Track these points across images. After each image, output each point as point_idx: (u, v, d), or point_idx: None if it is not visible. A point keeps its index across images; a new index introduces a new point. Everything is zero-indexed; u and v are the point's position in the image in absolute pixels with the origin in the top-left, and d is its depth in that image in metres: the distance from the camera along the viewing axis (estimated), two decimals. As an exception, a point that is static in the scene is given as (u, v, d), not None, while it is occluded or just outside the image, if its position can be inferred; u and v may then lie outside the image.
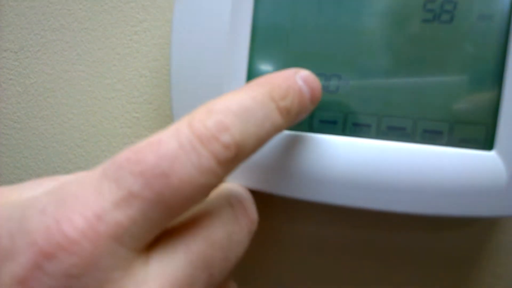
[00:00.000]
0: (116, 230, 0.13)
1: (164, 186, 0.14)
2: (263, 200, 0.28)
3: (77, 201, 0.14)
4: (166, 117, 0.29)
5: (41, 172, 0.32)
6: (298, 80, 0.19)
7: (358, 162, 0.21)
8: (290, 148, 0.22)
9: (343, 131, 0.22)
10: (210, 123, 0.15)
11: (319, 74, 0.22)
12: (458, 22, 0.21)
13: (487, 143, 0.21)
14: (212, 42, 0.22)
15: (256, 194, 0.23)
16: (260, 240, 0.29)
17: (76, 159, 0.31)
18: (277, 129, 0.17)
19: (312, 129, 0.23)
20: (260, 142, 0.16)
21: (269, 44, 0.23)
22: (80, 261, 0.13)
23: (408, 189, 0.21)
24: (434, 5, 0.21)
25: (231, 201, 0.18)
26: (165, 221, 0.14)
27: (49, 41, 0.31)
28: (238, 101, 0.16)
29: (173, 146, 0.14)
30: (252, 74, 0.23)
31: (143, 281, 0.14)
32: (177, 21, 0.23)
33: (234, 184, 0.21)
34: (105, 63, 0.30)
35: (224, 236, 0.17)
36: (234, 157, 0.15)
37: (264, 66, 0.23)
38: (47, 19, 0.31)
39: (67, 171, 0.31)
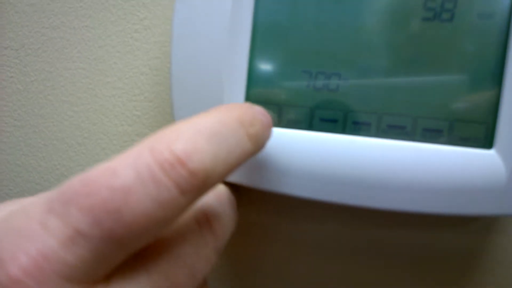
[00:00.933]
0: (63, 269, 0.12)
1: (115, 224, 0.12)
2: (263, 198, 0.28)
3: (21, 237, 0.13)
4: (166, 115, 0.29)
5: (42, 169, 0.32)
6: (256, 112, 0.18)
7: (358, 160, 0.21)
8: (290, 147, 0.22)
9: (343, 130, 0.22)
10: (177, 147, 0.13)
11: (319, 72, 0.22)
12: (459, 20, 0.21)
13: (487, 142, 0.21)
14: (212, 40, 0.22)
15: (255, 192, 0.23)
16: (259, 239, 0.29)
17: (77, 156, 0.31)
18: (246, 156, 0.16)
19: (312, 128, 0.23)
20: (229, 169, 0.15)
21: (270, 41, 0.23)
22: None
23: (408, 188, 0.21)
24: (434, 3, 0.21)
25: (197, 217, 0.17)
26: (119, 256, 0.13)
27: (49, 39, 0.31)
28: (209, 124, 0.15)
29: (129, 176, 0.13)
30: (252, 71, 0.23)
31: None
32: (178, 19, 0.23)
33: (215, 193, 0.19)
34: (106, 61, 0.30)
35: (188, 253, 0.16)
36: (201, 186, 0.14)
37: (264, 64, 0.23)
38: (48, 17, 0.31)
39: (67, 168, 0.31)
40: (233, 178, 0.23)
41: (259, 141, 0.17)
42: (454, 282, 0.27)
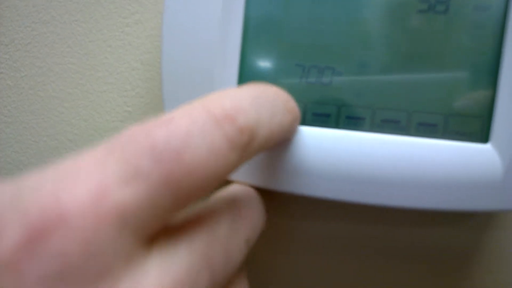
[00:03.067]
0: (121, 210, 0.12)
1: (175, 164, 0.12)
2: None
3: (78, 173, 0.12)
4: (158, 111, 0.29)
5: (32, 166, 0.32)
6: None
7: (352, 155, 0.21)
8: (283, 142, 0.22)
9: (337, 124, 0.22)
10: (226, 104, 0.14)
11: (312, 66, 0.22)
12: (454, 12, 0.21)
13: (483, 136, 0.21)
14: (203, 34, 0.22)
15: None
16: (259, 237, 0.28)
17: (68, 153, 0.31)
18: (284, 130, 0.17)
19: (305, 122, 0.22)
20: (271, 135, 0.16)
21: (262, 35, 0.22)
22: (78, 242, 0.11)
23: (403, 183, 0.21)
24: (429, -5, 0.21)
25: (229, 204, 0.17)
26: (171, 209, 0.13)
27: (39, 34, 0.30)
28: (252, 92, 0.16)
29: (186, 122, 0.13)
30: (244, 66, 0.23)
31: (142, 277, 0.12)
32: (168, 13, 0.23)
33: (242, 187, 0.20)
34: (97, 56, 0.29)
35: (224, 235, 0.16)
36: (247, 144, 0.14)
37: (256, 58, 0.23)
38: (38, 11, 0.30)
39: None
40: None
41: (296, 116, 0.18)
42: (451, 278, 0.27)
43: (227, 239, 0.16)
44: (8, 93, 0.31)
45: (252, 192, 0.20)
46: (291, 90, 0.22)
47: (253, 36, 0.23)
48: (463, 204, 0.21)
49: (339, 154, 0.21)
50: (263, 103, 0.16)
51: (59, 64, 0.30)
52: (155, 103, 0.29)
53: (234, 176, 0.22)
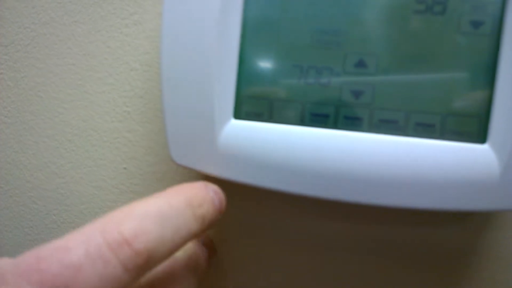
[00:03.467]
0: None
1: None
2: (254, 194, 0.28)
3: None
4: (157, 111, 0.29)
5: (32, 167, 0.32)
6: (210, 191, 0.20)
7: (350, 155, 0.21)
8: (281, 142, 0.22)
9: (335, 125, 0.22)
10: (125, 228, 0.15)
11: (310, 66, 0.22)
12: (451, 13, 0.21)
13: (480, 136, 0.21)
14: (202, 35, 0.22)
15: (247, 188, 0.23)
16: (255, 237, 0.28)
17: (67, 153, 0.31)
18: (191, 236, 0.18)
19: (303, 123, 0.22)
20: (174, 248, 0.17)
21: (260, 36, 0.23)
22: None
23: (401, 183, 0.21)
24: (426, -4, 0.21)
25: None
26: None
27: (39, 35, 0.30)
28: (158, 207, 0.16)
29: (80, 254, 0.14)
30: (242, 66, 0.23)
31: None
32: (167, 14, 0.23)
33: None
34: (96, 56, 0.29)
35: None
36: (145, 264, 0.15)
37: (254, 59, 0.23)
38: (37, 13, 0.30)
39: (58, 166, 0.31)
40: (225, 174, 0.23)
41: (206, 221, 0.19)
42: (449, 278, 0.27)
43: None
44: (8, 93, 0.31)
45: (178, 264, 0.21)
46: (289, 90, 0.22)
47: (252, 37, 0.23)
48: (461, 204, 0.21)
49: (337, 154, 0.21)
50: (168, 219, 0.16)
51: (59, 65, 0.30)
52: (154, 104, 0.29)
53: (234, 177, 0.23)
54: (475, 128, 0.21)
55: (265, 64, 0.23)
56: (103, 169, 0.30)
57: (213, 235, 0.29)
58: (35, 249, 0.14)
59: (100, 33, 0.29)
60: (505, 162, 0.20)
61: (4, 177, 0.32)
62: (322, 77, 0.22)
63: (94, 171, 0.30)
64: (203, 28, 0.22)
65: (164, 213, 0.16)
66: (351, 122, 0.22)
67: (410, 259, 0.27)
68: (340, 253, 0.28)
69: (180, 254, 0.21)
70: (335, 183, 0.21)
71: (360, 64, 0.22)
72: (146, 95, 0.29)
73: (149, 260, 0.15)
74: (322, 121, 0.22)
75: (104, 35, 0.29)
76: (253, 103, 0.23)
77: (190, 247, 0.22)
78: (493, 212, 0.26)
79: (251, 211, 0.28)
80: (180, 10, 0.22)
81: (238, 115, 0.23)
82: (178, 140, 0.23)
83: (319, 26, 0.22)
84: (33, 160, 0.32)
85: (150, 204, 0.16)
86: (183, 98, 0.23)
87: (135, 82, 0.29)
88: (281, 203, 0.28)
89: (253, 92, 0.23)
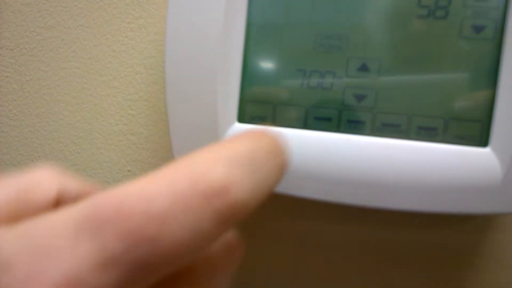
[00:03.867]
0: None
1: (149, 252, 0.12)
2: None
3: (50, 257, 0.12)
4: (161, 114, 0.29)
5: (37, 169, 0.32)
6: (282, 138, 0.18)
7: (352, 159, 0.21)
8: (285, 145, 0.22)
9: (338, 128, 0.22)
10: (216, 176, 0.13)
11: (313, 70, 0.22)
12: (453, 18, 0.21)
13: (482, 140, 0.21)
14: (206, 39, 0.22)
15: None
16: (257, 238, 0.29)
17: (72, 156, 0.31)
18: (275, 186, 0.16)
19: (307, 126, 0.23)
20: (260, 200, 0.15)
21: (263, 40, 0.23)
22: None
23: (403, 186, 0.21)
24: (429, 1, 0.21)
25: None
26: (146, 282, 0.13)
27: (44, 39, 0.31)
28: (246, 153, 0.14)
29: (167, 204, 0.12)
30: (246, 70, 0.23)
31: None
32: (172, 18, 0.23)
33: None
34: (101, 60, 0.30)
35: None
36: (235, 217, 0.13)
37: (258, 63, 0.23)
38: (43, 17, 0.30)
39: (63, 168, 0.31)
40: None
41: (286, 170, 0.17)
42: (451, 280, 0.27)
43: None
44: (13, 96, 0.32)
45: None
46: (293, 94, 0.23)
47: (255, 41, 0.23)
48: (463, 207, 0.21)
49: (340, 158, 0.21)
50: (258, 166, 0.14)
51: (64, 69, 0.30)
52: (158, 107, 0.29)
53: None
54: (477, 132, 0.21)
55: (268, 68, 0.23)
56: (107, 172, 0.30)
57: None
58: (108, 192, 0.12)
59: (105, 37, 0.29)
60: (507, 165, 0.21)
61: (9, 179, 0.33)
62: (325, 81, 0.22)
63: (99, 174, 0.31)
64: (207, 32, 0.22)
65: (254, 159, 0.14)
66: (353, 125, 0.22)
67: (412, 261, 0.27)
68: (340, 255, 0.28)
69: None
70: (337, 186, 0.21)
71: (363, 68, 0.22)
72: (151, 98, 0.29)
73: (239, 213, 0.13)
74: (325, 125, 0.22)
75: (109, 39, 0.29)
76: (256, 107, 0.23)
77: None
78: (494, 215, 0.26)
79: (253, 213, 0.28)
80: (184, 14, 0.23)
81: (242, 118, 0.23)
82: (182, 143, 0.23)
83: (323, 30, 0.22)
84: (39, 162, 0.32)
85: (237, 149, 0.14)
86: (187, 102, 0.23)
87: (139, 86, 0.29)
88: (282, 205, 0.28)
89: (256, 96, 0.23)
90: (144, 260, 0.12)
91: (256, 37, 0.23)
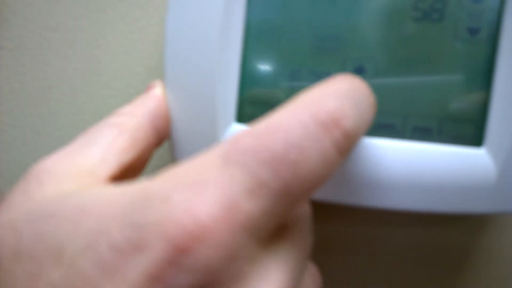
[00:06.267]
0: (250, 221, 0.12)
1: (292, 177, 0.13)
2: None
3: (206, 187, 0.12)
4: (161, 115, 0.29)
5: (38, 169, 0.32)
6: None
7: (348, 159, 0.22)
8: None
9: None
10: (330, 106, 0.14)
11: (310, 71, 0.23)
12: (448, 20, 0.21)
13: (477, 140, 0.22)
14: (205, 40, 0.23)
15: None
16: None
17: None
18: (370, 123, 0.17)
19: (304, 126, 0.23)
20: (363, 135, 0.16)
21: (262, 41, 0.23)
22: (219, 254, 0.12)
23: (398, 186, 0.21)
24: (424, 3, 0.21)
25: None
26: (285, 214, 0.14)
27: (45, 39, 0.31)
28: (346, 88, 0.15)
29: (300, 133, 0.13)
30: (245, 71, 0.23)
31: (265, 277, 0.13)
32: (171, 19, 0.23)
33: None
34: (101, 61, 0.30)
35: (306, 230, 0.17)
36: (350, 147, 0.14)
37: (257, 63, 0.23)
38: (43, 17, 0.31)
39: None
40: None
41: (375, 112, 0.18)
42: (445, 280, 0.27)
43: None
44: (14, 96, 0.32)
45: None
46: (290, 94, 0.23)
47: (254, 42, 0.23)
48: (457, 207, 0.21)
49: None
50: (358, 101, 0.15)
51: (64, 69, 0.31)
52: (158, 107, 0.29)
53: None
54: (471, 132, 0.22)
55: (266, 69, 0.23)
56: (107, 171, 0.31)
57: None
58: (246, 129, 0.13)
59: (106, 38, 0.30)
60: (501, 165, 0.21)
61: (10, 180, 0.33)
62: (322, 81, 0.23)
63: (99, 173, 0.31)
64: (206, 33, 0.23)
65: (354, 95, 0.15)
66: (350, 126, 0.22)
67: (406, 260, 0.27)
68: (334, 253, 0.28)
69: None
70: (331, 185, 0.22)
71: (359, 69, 0.22)
72: (150, 99, 0.29)
73: (350, 143, 0.14)
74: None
75: (110, 40, 0.30)
76: (255, 107, 0.23)
77: None
78: (489, 215, 0.26)
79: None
80: (184, 16, 0.23)
81: (240, 118, 0.24)
82: (181, 144, 0.24)
83: (320, 31, 0.22)
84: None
85: (339, 86, 0.15)
86: (186, 102, 0.23)
87: (140, 86, 0.29)
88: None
89: (255, 96, 0.23)
90: (288, 186, 0.13)
91: (254, 38, 0.23)
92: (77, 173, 0.16)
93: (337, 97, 0.14)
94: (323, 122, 0.13)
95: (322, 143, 0.13)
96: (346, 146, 0.14)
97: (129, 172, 0.19)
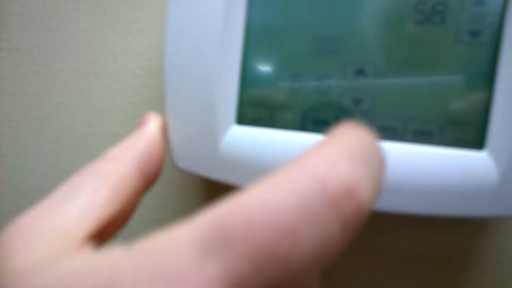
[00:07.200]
0: None
1: (280, 273, 0.11)
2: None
3: (175, 284, 0.11)
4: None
5: (37, 171, 0.32)
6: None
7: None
8: (283, 147, 0.22)
9: (335, 131, 0.22)
10: (343, 173, 0.11)
11: (310, 74, 0.22)
12: (450, 23, 0.21)
13: (478, 143, 0.21)
14: (205, 42, 0.23)
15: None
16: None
17: (72, 158, 0.31)
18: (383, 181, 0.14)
19: (304, 129, 0.23)
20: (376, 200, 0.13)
21: (262, 43, 0.23)
22: None
23: (399, 189, 0.21)
24: (425, 6, 0.21)
25: None
26: None
27: (44, 41, 0.31)
28: (359, 146, 0.13)
29: (295, 212, 0.11)
30: (245, 73, 0.23)
31: None
32: (171, 21, 0.23)
33: None
34: (100, 63, 0.30)
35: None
36: (359, 222, 0.12)
37: (257, 66, 0.23)
38: (42, 19, 0.31)
39: (63, 170, 0.32)
40: (227, 178, 0.23)
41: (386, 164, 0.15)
42: (446, 283, 0.27)
43: None
44: (13, 98, 0.32)
45: None
46: (290, 97, 0.23)
47: (254, 44, 0.23)
48: (459, 210, 0.21)
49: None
50: (372, 161, 0.13)
51: (64, 71, 0.31)
52: (157, 109, 0.29)
53: (236, 181, 0.23)
54: (473, 135, 0.21)
55: (267, 70, 0.23)
56: (106, 174, 0.31)
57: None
58: (231, 203, 0.11)
59: (105, 40, 0.30)
60: (503, 168, 0.21)
61: (9, 182, 0.33)
62: (322, 84, 0.22)
63: (98, 176, 0.31)
64: (206, 35, 0.23)
65: (367, 153, 0.13)
66: (351, 128, 0.22)
67: (407, 263, 0.27)
68: (338, 258, 0.28)
69: None
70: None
71: (360, 72, 0.22)
72: (150, 101, 0.29)
73: (364, 216, 0.12)
74: (322, 128, 0.23)
75: (109, 42, 0.30)
76: (255, 109, 0.23)
77: None
78: (490, 218, 0.26)
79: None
80: (183, 17, 0.23)
81: (240, 120, 0.23)
82: (181, 146, 0.24)
83: (320, 34, 0.22)
84: (38, 164, 0.32)
85: (350, 141, 0.13)
86: (186, 104, 0.23)
87: (139, 88, 0.29)
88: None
89: (255, 99, 0.23)
90: (273, 281, 0.11)
91: (254, 40, 0.23)
92: (52, 237, 0.15)
93: (350, 158, 0.12)
94: (333, 194, 0.11)
95: (327, 223, 0.11)
96: (357, 223, 0.11)
97: (112, 224, 0.17)
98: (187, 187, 0.30)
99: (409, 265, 0.27)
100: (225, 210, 0.11)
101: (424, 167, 0.21)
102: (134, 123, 0.30)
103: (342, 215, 0.11)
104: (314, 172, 0.11)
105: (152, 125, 0.21)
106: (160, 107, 0.29)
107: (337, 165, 0.11)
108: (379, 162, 0.13)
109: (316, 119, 0.23)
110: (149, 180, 0.20)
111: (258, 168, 0.22)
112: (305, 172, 0.11)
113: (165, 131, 0.21)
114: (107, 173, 0.17)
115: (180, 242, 0.11)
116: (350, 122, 0.15)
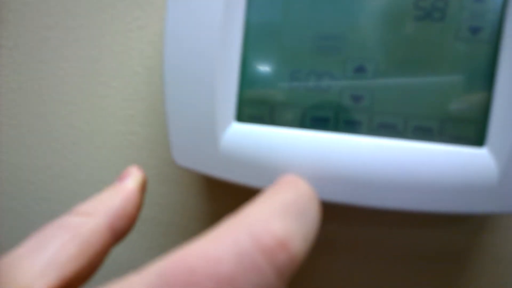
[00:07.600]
0: None
1: None
2: (256, 196, 0.28)
3: None
4: (160, 115, 0.29)
5: (36, 168, 0.32)
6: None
7: (349, 158, 0.22)
8: (282, 144, 0.22)
9: (335, 128, 0.22)
10: (276, 229, 0.13)
11: (310, 71, 0.22)
12: (450, 19, 0.21)
13: (479, 140, 0.21)
14: (205, 40, 0.23)
15: (249, 190, 0.23)
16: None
17: (71, 155, 0.31)
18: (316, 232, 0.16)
19: (304, 127, 0.23)
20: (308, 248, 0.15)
21: (262, 41, 0.23)
22: None
23: (399, 186, 0.21)
24: (425, 2, 0.21)
25: None
26: None
27: (43, 38, 0.31)
28: (294, 202, 0.15)
29: (232, 265, 0.12)
30: (244, 71, 0.23)
31: None
32: (170, 18, 0.23)
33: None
34: (100, 60, 0.30)
35: None
36: (293, 270, 0.13)
37: (256, 64, 0.23)
38: (42, 16, 0.31)
39: (61, 167, 0.31)
40: (227, 176, 0.23)
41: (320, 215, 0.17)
42: (447, 280, 0.27)
43: None
44: (12, 96, 0.32)
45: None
46: (290, 95, 0.23)
47: (253, 42, 0.23)
48: (459, 207, 0.21)
49: (337, 157, 0.22)
50: (305, 214, 0.15)
51: (63, 69, 0.31)
52: (157, 107, 0.29)
53: (235, 178, 0.23)
54: (473, 131, 0.21)
55: (266, 68, 0.23)
56: (106, 172, 0.31)
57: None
58: (176, 255, 0.13)
59: (104, 38, 0.30)
60: (503, 165, 0.21)
61: (8, 179, 0.33)
62: (322, 81, 0.22)
63: (98, 173, 0.31)
64: (206, 32, 0.22)
65: (301, 207, 0.15)
66: (351, 126, 0.22)
67: (407, 260, 0.27)
68: (334, 253, 0.28)
69: None
70: (334, 185, 0.22)
71: (360, 69, 0.22)
72: (149, 99, 0.29)
73: (296, 264, 0.13)
74: (322, 125, 0.23)
75: (108, 39, 0.29)
76: (254, 106, 0.23)
77: None
78: (491, 215, 0.26)
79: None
80: (183, 15, 0.23)
81: (240, 118, 0.23)
82: (180, 143, 0.24)
83: (320, 31, 0.22)
84: (37, 162, 0.32)
85: (285, 196, 0.15)
86: (186, 102, 0.23)
87: (138, 86, 0.29)
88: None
89: (254, 96, 0.23)
90: None
91: (254, 38, 0.23)
92: None
93: (284, 215, 0.14)
94: (267, 247, 0.13)
95: (263, 272, 0.12)
96: (289, 271, 0.13)
97: (77, 278, 0.18)
98: (186, 185, 0.30)
99: (409, 263, 0.27)
100: (171, 261, 0.13)
101: (424, 164, 0.21)
102: (133, 120, 0.30)
103: (276, 264, 0.13)
104: (250, 228, 0.13)
105: (130, 181, 0.21)
106: (159, 105, 0.29)
107: (271, 221, 0.13)
108: (312, 213, 0.15)
109: (316, 116, 0.23)
110: (119, 236, 0.20)
111: (258, 166, 0.22)
112: (243, 228, 0.13)
113: (144, 187, 0.21)
114: (76, 228, 0.18)
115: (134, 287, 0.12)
116: (290, 176, 0.17)
